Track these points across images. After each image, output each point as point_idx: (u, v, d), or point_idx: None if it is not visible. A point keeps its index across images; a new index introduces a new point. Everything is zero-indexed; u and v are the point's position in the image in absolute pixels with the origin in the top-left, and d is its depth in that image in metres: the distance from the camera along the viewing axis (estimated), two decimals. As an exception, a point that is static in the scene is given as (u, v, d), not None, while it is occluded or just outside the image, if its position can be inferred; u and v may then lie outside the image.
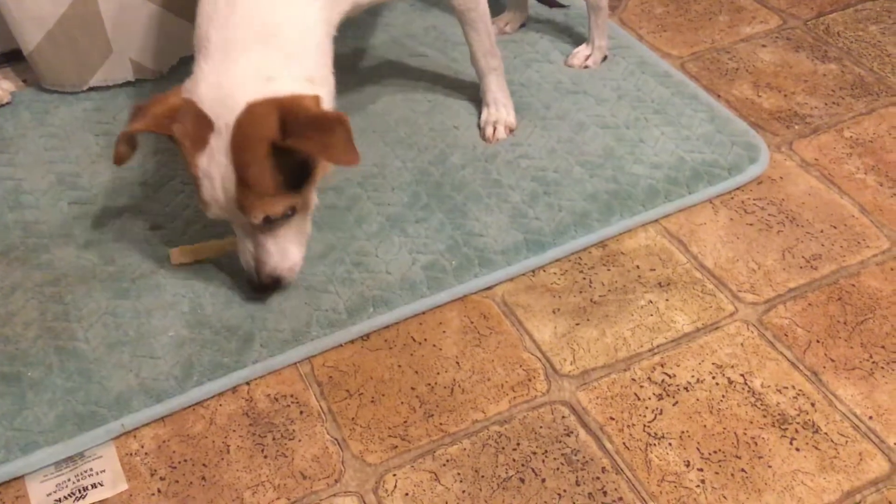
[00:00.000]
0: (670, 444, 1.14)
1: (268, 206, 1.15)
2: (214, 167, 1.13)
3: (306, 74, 1.17)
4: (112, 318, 1.28)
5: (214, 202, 1.16)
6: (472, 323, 1.30)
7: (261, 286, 1.26)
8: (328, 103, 1.19)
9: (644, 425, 1.17)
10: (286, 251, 1.24)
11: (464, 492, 1.10)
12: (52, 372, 1.22)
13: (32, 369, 1.22)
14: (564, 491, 1.10)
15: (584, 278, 1.36)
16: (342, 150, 1.10)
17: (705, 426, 1.16)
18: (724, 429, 1.16)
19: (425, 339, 1.28)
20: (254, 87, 1.12)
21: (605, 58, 1.73)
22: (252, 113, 1.11)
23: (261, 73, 1.14)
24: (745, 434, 1.15)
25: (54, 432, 1.15)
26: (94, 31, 1.63)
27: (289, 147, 1.11)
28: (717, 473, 1.11)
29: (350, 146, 1.10)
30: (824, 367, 1.22)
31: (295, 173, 1.15)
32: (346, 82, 1.70)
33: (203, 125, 1.12)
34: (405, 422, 1.18)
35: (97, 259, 1.37)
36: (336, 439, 1.17)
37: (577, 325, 1.29)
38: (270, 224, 1.19)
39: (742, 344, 1.26)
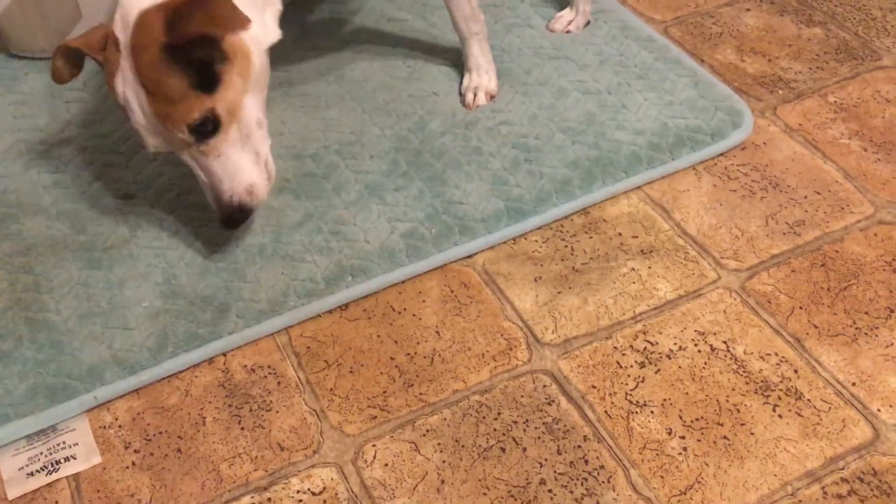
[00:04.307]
0: (652, 412, 1.13)
1: (181, 111, 1.14)
2: (127, 87, 1.14)
3: None
4: (84, 288, 1.26)
5: (141, 126, 1.17)
6: (452, 292, 1.28)
7: (225, 218, 1.22)
8: (266, 28, 1.22)
9: (626, 393, 1.15)
10: (237, 170, 1.20)
11: (444, 462, 1.09)
12: (22, 344, 1.19)
13: (2, 341, 1.19)
14: (546, 460, 1.09)
15: (566, 246, 1.34)
16: (228, 16, 1.10)
17: (687, 394, 1.15)
18: (707, 396, 1.15)
19: (405, 309, 1.26)
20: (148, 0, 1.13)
21: (587, 23, 1.70)
22: (142, 21, 1.12)
23: None
24: (728, 401, 1.14)
25: (25, 405, 1.13)
26: (62, -4, 1.59)
27: (180, 42, 1.10)
28: (699, 441, 1.10)
29: (235, 11, 1.10)
30: (807, 334, 1.22)
31: (201, 74, 1.14)
32: (322, 48, 1.68)
33: (116, 49, 1.15)
34: (384, 392, 1.17)
35: (68, 229, 1.34)
36: (314, 410, 1.15)
37: (559, 293, 1.28)
38: (203, 138, 1.16)
39: (725, 311, 1.25)
